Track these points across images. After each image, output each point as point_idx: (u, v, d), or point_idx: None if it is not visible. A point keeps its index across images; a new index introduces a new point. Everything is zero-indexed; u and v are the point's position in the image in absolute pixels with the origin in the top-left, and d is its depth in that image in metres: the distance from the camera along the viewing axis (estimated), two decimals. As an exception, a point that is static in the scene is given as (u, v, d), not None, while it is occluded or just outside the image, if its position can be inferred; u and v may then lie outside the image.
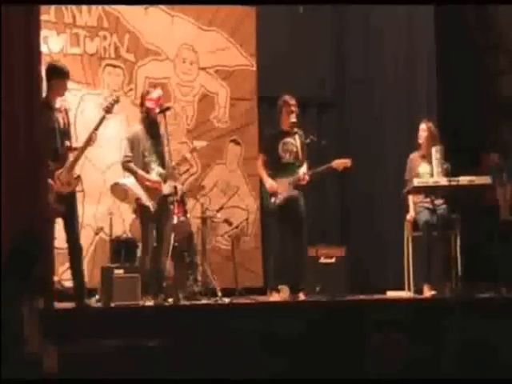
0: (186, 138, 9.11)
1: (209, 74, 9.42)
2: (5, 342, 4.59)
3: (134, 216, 7.90)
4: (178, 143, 8.74)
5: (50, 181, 6.60)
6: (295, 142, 7.93)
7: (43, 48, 7.44)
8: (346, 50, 9.87)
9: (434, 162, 7.81)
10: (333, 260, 8.21)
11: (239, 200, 9.44)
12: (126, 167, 7.26)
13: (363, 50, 9.59)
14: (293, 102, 7.92)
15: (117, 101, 7.12)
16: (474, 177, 7.53)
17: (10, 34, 5.97)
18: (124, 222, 8.58)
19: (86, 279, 7.14)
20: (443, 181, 7.58)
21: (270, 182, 7.88)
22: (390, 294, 8.26)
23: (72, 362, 4.72)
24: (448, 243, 7.88)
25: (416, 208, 8.08)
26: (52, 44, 8.62)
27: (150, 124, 7.30)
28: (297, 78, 9.34)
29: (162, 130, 7.33)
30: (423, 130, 8.10)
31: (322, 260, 8.19)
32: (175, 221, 7.66)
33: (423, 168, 8.02)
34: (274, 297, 7.81)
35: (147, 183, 7.17)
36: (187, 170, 8.81)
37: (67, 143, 6.84)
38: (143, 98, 7.39)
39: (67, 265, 7.39)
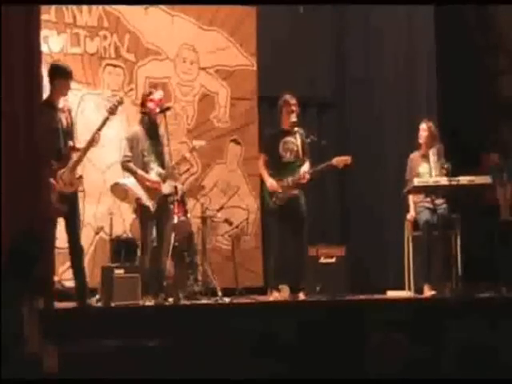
0: (186, 138, 9.11)
1: (209, 74, 9.42)
2: (5, 342, 4.59)
3: (134, 216, 7.91)
4: (178, 143, 8.74)
5: (52, 180, 6.61)
6: (296, 140, 7.94)
7: (43, 48, 7.45)
8: (346, 49, 9.87)
9: (432, 164, 7.86)
10: (333, 260, 8.22)
11: (239, 200, 9.44)
12: (125, 167, 7.26)
13: (363, 50, 9.59)
14: (293, 101, 7.92)
15: (121, 102, 7.14)
16: (474, 176, 7.54)
17: (10, 34, 5.98)
18: (124, 222, 8.58)
19: (87, 279, 7.13)
20: (443, 180, 7.59)
21: (270, 181, 7.88)
22: (390, 293, 8.26)
23: (72, 361, 4.72)
24: (448, 243, 7.89)
25: (416, 208, 8.09)
26: (52, 44, 8.63)
27: (150, 124, 7.30)
28: (297, 78, 9.35)
29: (162, 129, 7.34)
30: (423, 129, 8.10)
31: (322, 260, 8.19)
32: (175, 220, 7.67)
33: (423, 168, 8.02)
34: (275, 296, 7.82)
35: (147, 183, 7.18)
36: (187, 169, 8.81)
37: (70, 143, 6.85)
38: (145, 98, 7.40)
39: (67, 264, 7.40)
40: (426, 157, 8.04)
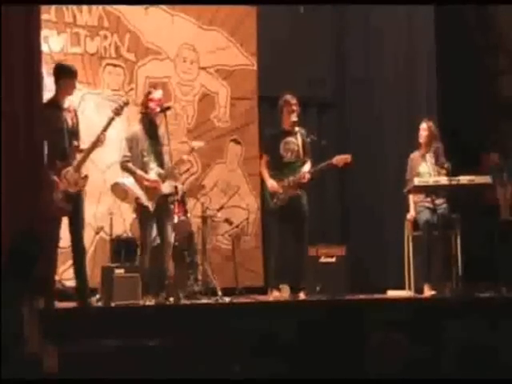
0: (187, 138, 9.11)
1: (209, 74, 9.42)
2: (5, 342, 4.59)
3: (134, 216, 7.90)
4: (178, 143, 8.73)
5: (55, 178, 6.61)
6: (297, 140, 7.94)
7: (44, 48, 7.44)
8: (346, 49, 9.87)
9: (429, 166, 7.88)
10: (333, 259, 8.21)
11: (239, 199, 9.44)
12: (124, 167, 7.27)
13: (363, 50, 9.59)
14: (294, 101, 7.92)
15: (127, 103, 7.16)
16: (474, 176, 7.55)
17: (10, 34, 5.99)
18: (124, 222, 8.57)
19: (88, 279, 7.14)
20: (443, 180, 7.59)
21: (270, 182, 7.89)
22: (391, 293, 8.26)
23: (72, 361, 4.72)
24: (448, 243, 7.89)
25: (416, 207, 8.08)
26: (52, 43, 8.62)
27: (149, 124, 7.30)
28: (297, 78, 9.35)
29: (162, 129, 7.34)
30: (424, 129, 8.10)
31: (323, 259, 8.19)
32: (175, 220, 7.68)
33: (423, 167, 8.02)
34: (275, 296, 7.82)
35: (146, 183, 7.18)
36: (187, 169, 8.82)
37: (75, 143, 6.85)
38: (145, 98, 7.41)
39: (68, 264, 7.41)
40: (426, 157, 8.04)
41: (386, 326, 4.38)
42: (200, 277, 8.16)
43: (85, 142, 6.98)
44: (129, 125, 8.42)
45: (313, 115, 9.80)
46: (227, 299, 7.74)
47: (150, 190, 7.18)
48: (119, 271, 7.14)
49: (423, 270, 7.90)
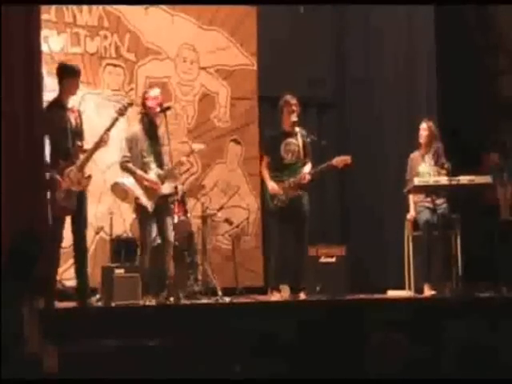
0: (187, 138, 9.11)
1: (209, 74, 9.43)
2: (5, 342, 4.59)
3: (134, 216, 7.90)
4: (178, 143, 8.74)
5: (58, 177, 6.61)
6: (297, 141, 7.92)
7: (44, 48, 7.44)
8: (346, 49, 9.87)
9: (429, 166, 7.88)
10: (333, 259, 8.21)
11: (240, 199, 9.44)
12: (124, 167, 7.26)
13: (363, 50, 9.59)
14: (294, 101, 7.91)
15: (131, 104, 7.19)
16: (474, 176, 7.55)
17: (10, 34, 5.99)
18: (124, 222, 8.58)
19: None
20: (443, 180, 7.59)
21: (271, 184, 7.87)
22: (391, 293, 8.26)
23: (72, 361, 4.72)
24: (448, 243, 7.89)
25: (416, 207, 8.08)
26: (52, 43, 8.63)
27: (149, 124, 7.30)
28: (297, 78, 9.35)
29: (162, 129, 7.34)
30: (424, 129, 8.10)
31: (323, 259, 8.19)
32: (175, 220, 7.67)
33: (423, 167, 8.02)
34: (275, 296, 7.82)
35: (145, 183, 7.17)
36: (187, 169, 8.82)
37: (78, 143, 6.86)
38: (142, 97, 7.41)
39: (68, 264, 7.41)
40: (426, 157, 8.03)
41: (386, 325, 4.38)
42: (200, 277, 8.17)
43: (86, 141, 6.99)
44: (129, 125, 8.42)
45: (313, 115, 9.80)
46: (227, 299, 7.74)
47: (150, 191, 7.18)
48: (119, 271, 7.14)
49: (423, 270, 7.90)
